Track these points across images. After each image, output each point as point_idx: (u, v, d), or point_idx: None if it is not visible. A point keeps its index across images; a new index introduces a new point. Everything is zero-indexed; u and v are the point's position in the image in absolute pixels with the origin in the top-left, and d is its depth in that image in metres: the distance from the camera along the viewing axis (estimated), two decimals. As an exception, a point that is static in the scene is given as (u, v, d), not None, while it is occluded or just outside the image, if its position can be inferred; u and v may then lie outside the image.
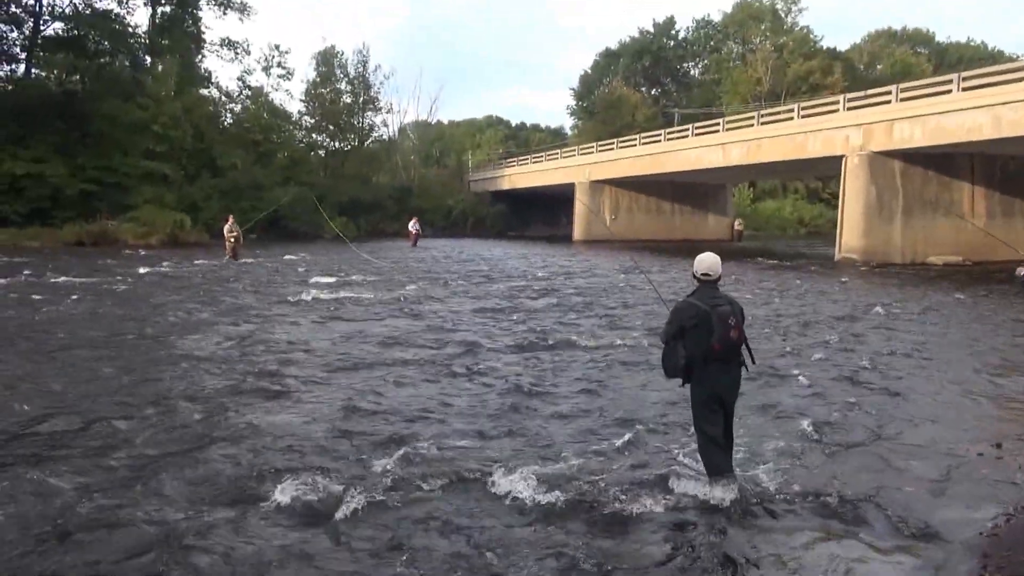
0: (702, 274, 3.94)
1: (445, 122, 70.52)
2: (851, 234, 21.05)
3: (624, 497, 3.84)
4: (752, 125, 25.38)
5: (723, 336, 3.79)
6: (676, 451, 4.54)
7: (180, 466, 4.25)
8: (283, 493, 3.79)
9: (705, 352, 3.82)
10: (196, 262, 18.97)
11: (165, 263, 18.29)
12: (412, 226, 30.36)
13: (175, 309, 10.52)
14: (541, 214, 46.30)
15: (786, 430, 5.06)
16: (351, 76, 43.32)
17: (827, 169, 28.60)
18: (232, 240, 19.90)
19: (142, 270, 16.31)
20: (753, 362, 4.08)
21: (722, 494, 3.80)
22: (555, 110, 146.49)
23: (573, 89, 59.87)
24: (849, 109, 21.27)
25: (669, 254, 24.73)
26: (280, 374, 6.62)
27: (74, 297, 11.62)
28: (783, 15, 55.17)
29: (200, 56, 37.20)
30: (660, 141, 30.42)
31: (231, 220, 20.42)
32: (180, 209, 29.35)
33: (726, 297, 3.94)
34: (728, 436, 4.03)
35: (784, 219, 48.48)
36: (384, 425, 5.13)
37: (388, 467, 4.24)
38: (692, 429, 4.18)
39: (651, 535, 3.50)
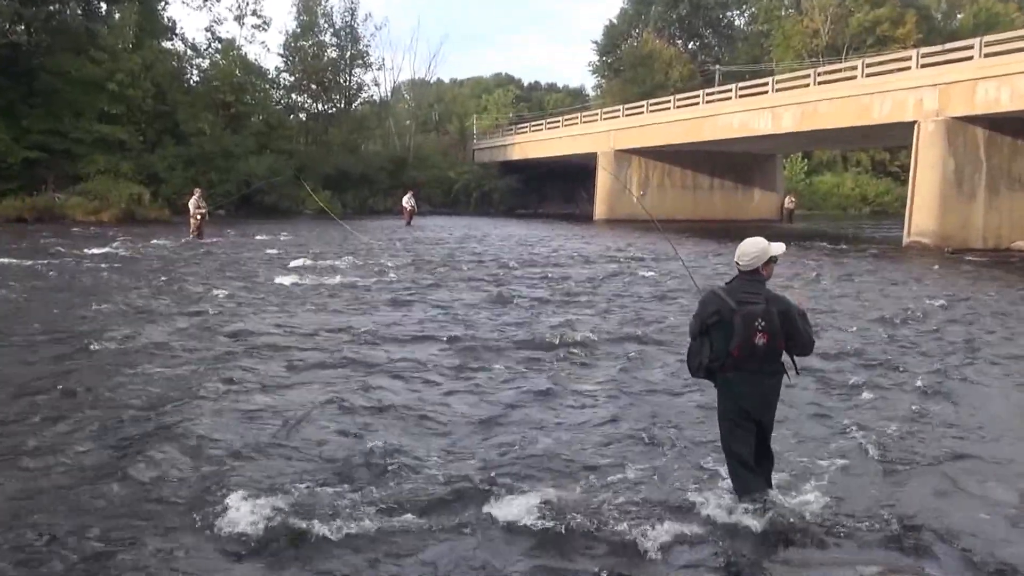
0: (735, 261, 3.88)
1: (446, 81, 70.60)
2: (923, 214, 20.78)
3: (642, 522, 3.78)
4: (807, 85, 25.10)
5: (745, 341, 3.69)
6: (706, 467, 4.50)
7: (116, 479, 4.22)
8: (238, 516, 3.75)
9: (725, 356, 3.76)
10: (155, 242, 19.09)
11: (118, 242, 18.40)
12: (407, 202, 30.36)
13: (126, 296, 10.55)
14: (557, 189, 46.16)
15: (839, 445, 4.99)
16: (337, 27, 43.27)
17: (896, 137, 28.17)
18: (199, 217, 19.96)
19: (91, 251, 16.40)
20: (797, 372, 3.99)
21: (755, 519, 3.73)
22: (575, 67, 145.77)
23: (596, 43, 59.44)
24: (923, 67, 20.92)
25: (707, 237, 24.55)
26: (245, 373, 6.60)
27: (7, 281, 11.68)
28: (846, -45, 54.27)
29: (163, 3, 37.24)
30: (698, 104, 30.17)
31: (198, 193, 20.48)
32: (138, 181, 29.55)
33: (766, 294, 3.81)
34: (764, 455, 3.97)
35: (844, 196, 48.05)
36: (362, 436, 5.08)
37: (365, 486, 4.19)
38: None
39: (673, 567, 3.44)
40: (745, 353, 3.70)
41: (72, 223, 25.09)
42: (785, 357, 3.88)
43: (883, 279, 14.27)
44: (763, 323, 3.70)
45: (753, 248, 3.83)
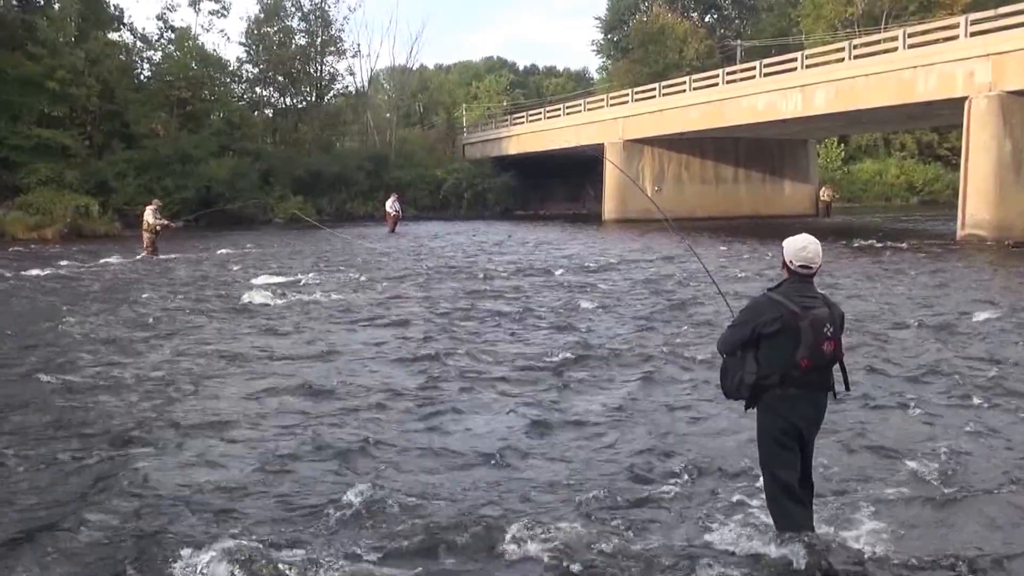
0: (800, 265, 3.80)
1: (431, 67, 71.09)
2: (978, 203, 20.85)
3: (668, 565, 3.76)
4: (842, 60, 25.27)
5: (815, 348, 3.70)
6: (736, 499, 4.49)
7: (59, 530, 4.21)
8: (204, 570, 3.73)
9: (787, 369, 3.74)
10: (104, 260, 19.14)
11: (64, 262, 18.47)
12: (390, 206, 30.47)
13: (70, 322, 10.57)
14: (560, 186, 46.36)
15: (890, 470, 4.99)
16: (305, 10, 43.62)
17: (944, 116, 28.30)
18: (159, 229, 20.01)
19: (33, 271, 16.47)
20: (847, 387, 4.00)
21: (802, 559, 3.71)
22: (576, 47, 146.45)
23: (599, 18, 60.02)
24: (973, 35, 21.05)
25: (733, 236, 24.57)
26: (207, 407, 6.61)
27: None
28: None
29: (108, -11, 37.53)
30: (718, 85, 30.35)
31: (154, 205, 20.53)
32: (85, 191, 29.66)
33: (823, 298, 3.85)
34: (807, 482, 3.96)
35: (888, 185, 48.21)
36: (342, 473, 5.09)
37: (347, 529, 4.19)
38: (759, 471, 4.09)
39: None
40: (814, 362, 3.72)
41: (11, 241, 25.15)
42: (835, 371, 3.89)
43: (933, 279, 14.27)
44: (831, 329, 3.74)
45: (816, 246, 3.83)
